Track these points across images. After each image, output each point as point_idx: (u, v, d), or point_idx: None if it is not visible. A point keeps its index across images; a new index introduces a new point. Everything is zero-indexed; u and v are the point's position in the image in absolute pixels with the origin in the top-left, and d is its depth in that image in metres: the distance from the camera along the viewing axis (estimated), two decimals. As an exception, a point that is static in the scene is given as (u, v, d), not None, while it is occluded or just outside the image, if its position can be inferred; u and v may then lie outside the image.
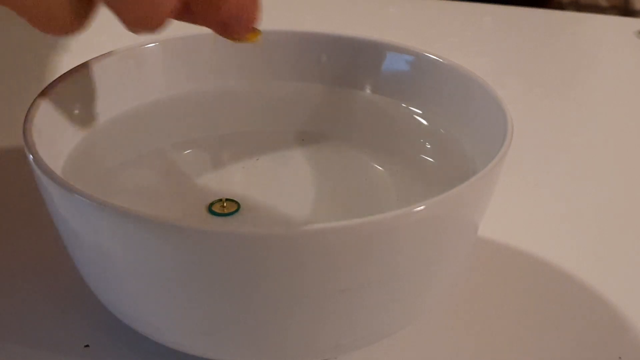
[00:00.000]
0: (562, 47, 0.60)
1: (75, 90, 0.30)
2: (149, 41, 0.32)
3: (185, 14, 0.26)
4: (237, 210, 0.30)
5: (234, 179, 0.32)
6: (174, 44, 0.33)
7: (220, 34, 0.26)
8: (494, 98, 0.29)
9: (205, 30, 0.26)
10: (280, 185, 0.32)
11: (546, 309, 0.32)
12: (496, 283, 0.33)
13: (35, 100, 0.28)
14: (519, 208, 0.38)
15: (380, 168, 0.33)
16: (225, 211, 0.30)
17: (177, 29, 0.27)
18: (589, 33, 0.64)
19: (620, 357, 0.29)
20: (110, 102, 0.32)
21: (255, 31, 0.26)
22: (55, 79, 0.29)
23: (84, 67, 0.30)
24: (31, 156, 0.25)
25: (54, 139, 0.28)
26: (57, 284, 0.32)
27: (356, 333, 0.26)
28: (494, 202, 0.27)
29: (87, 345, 0.29)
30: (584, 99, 0.52)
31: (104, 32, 0.35)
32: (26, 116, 0.27)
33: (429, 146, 0.32)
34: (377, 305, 0.25)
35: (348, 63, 0.33)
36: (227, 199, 0.31)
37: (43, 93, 0.28)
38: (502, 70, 0.55)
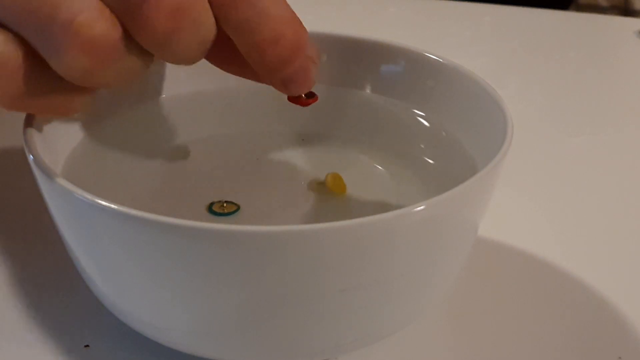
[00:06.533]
0: (562, 47, 0.60)
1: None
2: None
3: (249, 73, 0.28)
4: (236, 211, 0.30)
5: (234, 179, 0.32)
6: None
7: (279, 90, 0.28)
8: (494, 98, 0.29)
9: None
10: (280, 185, 0.32)
11: (546, 309, 0.32)
12: (496, 283, 0.33)
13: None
14: (519, 208, 0.38)
15: (380, 168, 0.32)
16: (225, 211, 0.30)
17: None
18: (589, 33, 0.64)
19: (620, 357, 0.29)
20: (111, 102, 0.32)
21: (313, 95, 0.29)
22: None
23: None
24: (31, 156, 0.25)
25: (54, 139, 0.28)
26: (57, 284, 0.32)
27: (356, 333, 0.26)
28: (494, 202, 0.27)
29: (87, 345, 0.29)
30: (584, 99, 0.52)
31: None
32: (26, 116, 0.27)
33: (429, 146, 0.32)
34: (377, 305, 0.25)
35: (348, 63, 0.33)
36: (227, 201, 0.31)
37: None
38: (502, 70, 0.55)
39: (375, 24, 0.61)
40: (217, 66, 0.30)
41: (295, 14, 0.26)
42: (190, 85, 0.33)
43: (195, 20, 0.23)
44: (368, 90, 0.34)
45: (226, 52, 0.28)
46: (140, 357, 0.28)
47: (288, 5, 0.26)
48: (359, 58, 0.33)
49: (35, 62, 0.23)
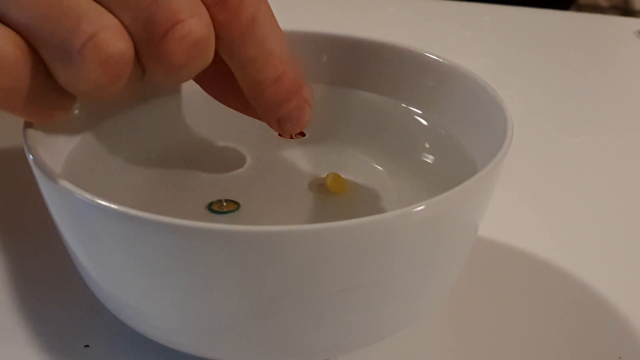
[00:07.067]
0: (562, 47, 0.60)
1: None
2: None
3: (246, 108, 0.30)
4: (236, 210, 0.30)
5: (234, 179, 0.32)
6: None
7: (273, 128, 0.29)
8: (494, 98, 0.29)
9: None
10: (280, 185, 0.32)
11: (546, 309, 0.32)
12: (496, 283, 0.33)
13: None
14: (519, 208, 0.38)
15: (380, 168, 0.33)
16: (225, 210, 0.30)
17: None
18: (589, 33, 0.64)
19: (620, 357, 0.29)
20: (111, 102, 0.32)
21: (302, 133, 0.30)
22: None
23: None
24: (31, 156, 0.25)
25: (54, 139, 0.28)
26: (57, 284, 0.32)
27: (356, 333, 0.26)
28: (494, 202, 0.27)
29: (87, 345, 0.29)
30: (584, 99, 0.52)
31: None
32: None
33: (429, 146, 0.32)
34: (377, 305, 0.25)
35: (348, 63, 0.33)
36: (226, 199, 0.31)
37: None
38: (502, 70, 0.55)
39: (375, 24, 0.61)
40: (217, 99, 0.31)
41: (294, 56, 0.27)
42: (190, 85, 0.33)
43: (206, 55, 0.24)
44: (368, 90, 0.34)
45: (227, 87, 0.29)
46: (140, 357, 0.28)
47: (289, 49, 0.27)
48: (359, 58, 0.33)
49: (31, 64, 0.23)
